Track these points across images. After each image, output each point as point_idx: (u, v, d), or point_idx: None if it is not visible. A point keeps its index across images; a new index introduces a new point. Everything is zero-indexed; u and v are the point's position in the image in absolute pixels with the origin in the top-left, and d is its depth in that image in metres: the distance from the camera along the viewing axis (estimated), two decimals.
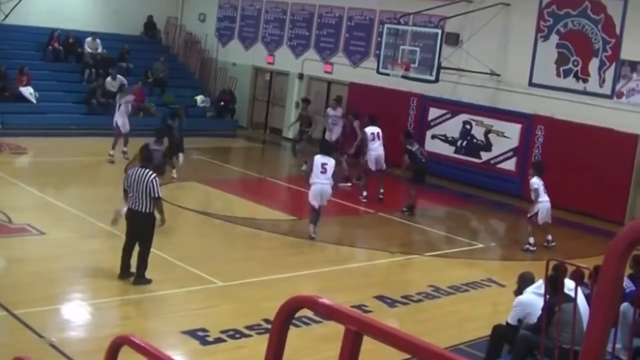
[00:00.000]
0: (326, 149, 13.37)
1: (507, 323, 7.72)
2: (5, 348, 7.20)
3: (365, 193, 16.29)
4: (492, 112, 18.90)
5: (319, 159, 12.82)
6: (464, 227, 15.94)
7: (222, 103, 24.88)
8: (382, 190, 16.28)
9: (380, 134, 16.33)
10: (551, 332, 6.78)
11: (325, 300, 2.28)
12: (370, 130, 16.31)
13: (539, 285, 7.48)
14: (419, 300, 10.47)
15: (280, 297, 2.50)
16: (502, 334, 7.80)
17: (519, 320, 7.62)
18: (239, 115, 25.15)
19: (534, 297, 7.50)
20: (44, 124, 20.20)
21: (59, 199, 14.12)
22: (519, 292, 7.92)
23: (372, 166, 16.20)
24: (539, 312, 7.11)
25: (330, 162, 12.76)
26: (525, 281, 7.92)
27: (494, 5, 18.44)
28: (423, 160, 15.53)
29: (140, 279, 9.71)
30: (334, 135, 18.83)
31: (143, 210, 9.62)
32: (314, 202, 12.72)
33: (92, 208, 13.27)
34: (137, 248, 9.82)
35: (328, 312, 2.31)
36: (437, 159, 18.60)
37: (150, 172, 9.66)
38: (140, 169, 9.71)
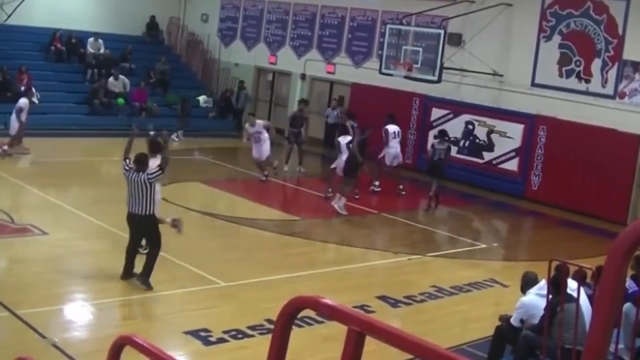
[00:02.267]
0: (345, 131, 16.25)
1: (509, 324, 7.72)
2: (8, 348, 7.20)
3: (377, 182, 17.25)
4: (495, 112, 18.89)
5: (341, 139, 15.80)
6: (467, 227, 15.93)
7: (225, 103, 24.88)
8: (401, 187, 17.43)
9: (400, 132, 17.45)
10: (553, 332, 6.78)
11: (327, 301, 2.28)
12: (392, 128, 17.26)
13: (542, 286, 7.47)
14: (422, 301, 10.47)
15: (282, 298, 2.50)
16: (505, 334, 7.79)
17: (521, 321, 7.61)
18: None
19: (536, 299, 7.50)
20: (46, 125, 20.16)
21: (61, 199, 14.12)
22: (522, 291, 7.93)
23: (387, 161, 17.22)
24: (542, 313, 7.11)
25: (344, 141, 15.71)
26: (528, 280, 7.91)
27: (497, 5, 18.42)
28: (435, 158, 16.27)
29: (145, 279, 9.66)
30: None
31: (142, 212, 9.60)
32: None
33: (95, 208, 13.29)
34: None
35: (330, 313, 2.31)
36: None
37: (146, 174, 9.61)
38: (136, 174, 9.65)
